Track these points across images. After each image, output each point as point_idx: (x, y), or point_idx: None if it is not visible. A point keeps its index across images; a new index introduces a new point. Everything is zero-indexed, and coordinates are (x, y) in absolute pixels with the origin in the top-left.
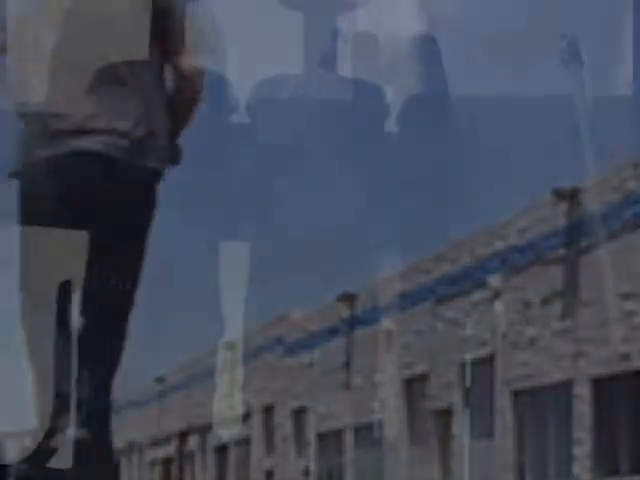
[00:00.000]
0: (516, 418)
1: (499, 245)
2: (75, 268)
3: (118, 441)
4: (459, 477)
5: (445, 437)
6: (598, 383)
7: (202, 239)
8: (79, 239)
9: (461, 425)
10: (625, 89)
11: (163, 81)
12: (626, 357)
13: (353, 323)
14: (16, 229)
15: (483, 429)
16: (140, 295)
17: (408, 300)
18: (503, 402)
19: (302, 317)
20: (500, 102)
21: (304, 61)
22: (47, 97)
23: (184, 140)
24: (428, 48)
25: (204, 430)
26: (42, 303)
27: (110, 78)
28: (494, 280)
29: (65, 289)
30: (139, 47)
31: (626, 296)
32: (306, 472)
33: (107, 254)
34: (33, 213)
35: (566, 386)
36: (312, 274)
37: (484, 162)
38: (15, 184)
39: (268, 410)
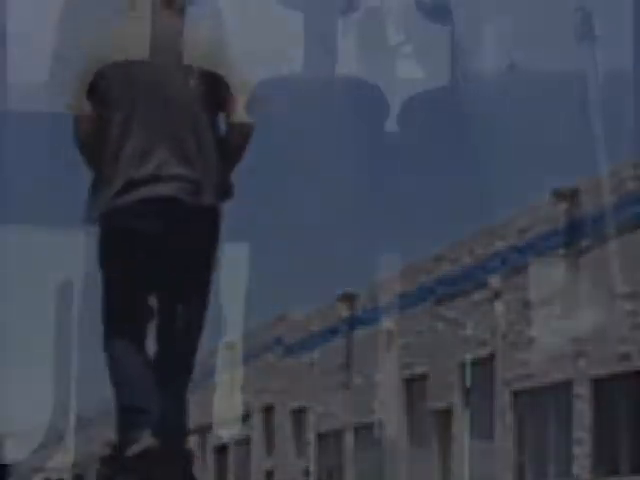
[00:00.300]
0: (516, 418)
1: (499, 245)
2: (149, 299)
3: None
4: (459, 477)
5: (445, 437)
6: (598, 383)
7: None
8: (152, 273)
9: (461, 425)
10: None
11: (216, 126)
12: (626, 357)
13: (353, 323)
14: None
15: (483, 429)
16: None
17: (408, 300)
18: (503, 402)
19: (302, 317)
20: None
21: (304, 59)
22: (122, 148)
23: None
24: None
25: (204, 430)
26: (122, 331)
27: (174, 128)
28: (494, 280)
29: (142, 318)
30: (196, 100)
31: (626, 296)
32: (306, 472)
33: (180, 284)
34: (113, 252)
35: (566, 386)
36: (312, 274)
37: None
38: None
39: (268, 410)
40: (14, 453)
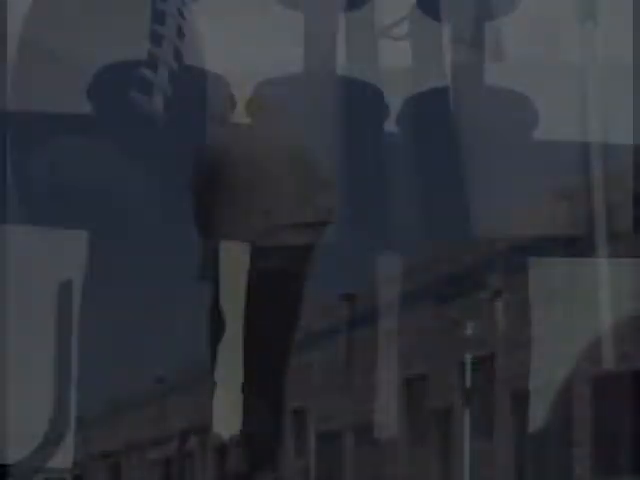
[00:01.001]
0: (516, 418)
1: (500, 245)
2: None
3: (118, 441)
4: (459, 477)
5: (445, 437)
6: (598, 383)
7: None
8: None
9: (461, 425)
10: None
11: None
12: (626, 357)
13: (353, 323)
14: None
15: (483, 429)
16: (139, 296)
17: (408, 300)
18: (503, 402)
19: (302, 317)
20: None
21: (304, 61)
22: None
23: (184, 140)
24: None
25: (204, 430)
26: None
27: (271, 210)
28: (494, 280)
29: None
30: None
31: (626, 296)
32: (306, 472)
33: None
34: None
35: (566, 386)
36: (312, 274)
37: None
38: None
39: None
40: (14, 453)
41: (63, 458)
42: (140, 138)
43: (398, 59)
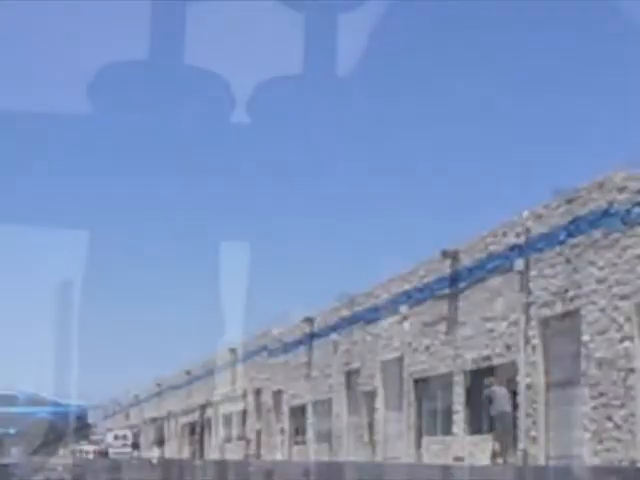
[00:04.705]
0: (416, 400)
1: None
2: None
3: (162, 411)
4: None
5: (371, 410)
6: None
7: (202, 238)
8: None
9: (382, 401)
10: None
11: None
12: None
13: (312, 337)
14: None
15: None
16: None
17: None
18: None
19: (279, 332)
20: None
21: (304, 61)
22: None
23: (183, 139)
24: None
25: (217, 404)
26: None
27: None
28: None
29: None
30: None
31: (625, 297)
32: (306, 473)
33: None
34: None
35: (447, 377)
36: (312, 274)
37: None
38: None
39: (258, 392)
40: (14, 453)
41: (63, 458)
42: None
43: None
